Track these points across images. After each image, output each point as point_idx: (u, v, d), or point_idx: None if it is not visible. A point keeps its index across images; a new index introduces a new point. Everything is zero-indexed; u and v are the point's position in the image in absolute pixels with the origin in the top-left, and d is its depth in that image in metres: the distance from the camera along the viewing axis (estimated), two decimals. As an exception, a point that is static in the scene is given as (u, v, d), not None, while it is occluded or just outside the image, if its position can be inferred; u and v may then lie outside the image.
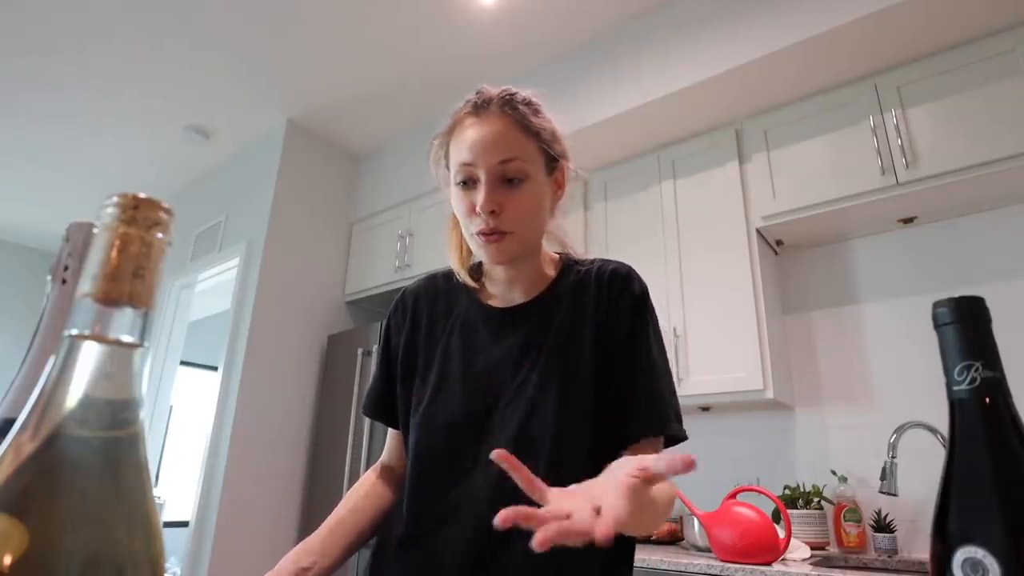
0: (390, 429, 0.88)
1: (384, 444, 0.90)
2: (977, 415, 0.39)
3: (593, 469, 0.70)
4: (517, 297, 0.82)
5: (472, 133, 0.75)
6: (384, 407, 0.86)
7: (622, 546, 0.76)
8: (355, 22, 2.48)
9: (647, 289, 0.81)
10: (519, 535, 0.57)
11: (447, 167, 0.81)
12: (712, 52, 2.10)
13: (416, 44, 2.60)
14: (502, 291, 0.83)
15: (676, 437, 0.75)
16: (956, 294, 0.41)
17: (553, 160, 0.79)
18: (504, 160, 0.74)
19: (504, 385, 0.76)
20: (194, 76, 2.82)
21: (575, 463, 0.71)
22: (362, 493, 0.84)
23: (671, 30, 2.25)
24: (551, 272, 0.84)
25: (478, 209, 0.73)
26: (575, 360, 0.76)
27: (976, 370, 0.39)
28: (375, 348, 2.66)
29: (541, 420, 0.72)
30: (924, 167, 1.79)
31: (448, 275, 0.88)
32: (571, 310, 0.79)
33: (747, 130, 2.21)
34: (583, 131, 2.36)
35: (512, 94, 0.78)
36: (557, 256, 0.87)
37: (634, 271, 0.83)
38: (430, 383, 0.79)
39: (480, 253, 0.78)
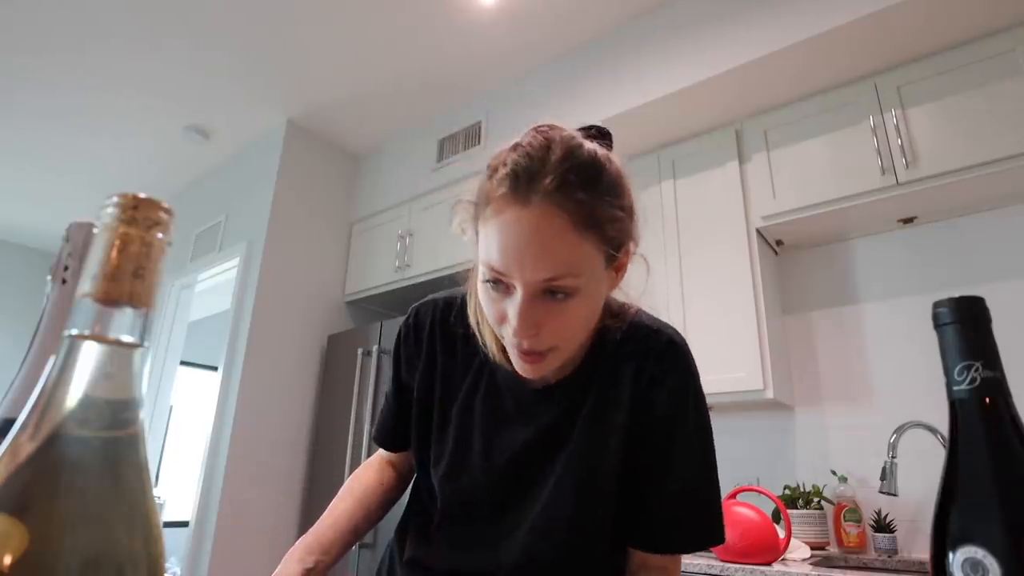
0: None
1: None
2: (977, 415, 0.39)
3: (611, 559, 0.71)
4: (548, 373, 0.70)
5: (512, 233, 0.56)
6: (398, 439, 0.82)
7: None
8: (355, 22, 2.48)
9: (696, 370, 0.71)
10: None
11: (475, 240, 0.64)
12: (712, 52, 2.10)
13: (416, 44, 2.60)
14: None
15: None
16: (956, 294, 0.41)
17: (617, 249, 0.61)
18: (549, 278, 0.56)
19: (525, 472, 0.70)
20: (194, 76, 2.82)
21: (593, 558, 0.70)
22: (365, 488, 0.82)
23: (671, 30, 2.25)
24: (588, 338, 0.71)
25: (511, 333, 0.59)
26: (603, 456, 0.68)
27: (976, 370, 0.39)
28: (375, 348, 2.67)
29: (558, 523, 0.68)
30: (924, 167, 1.79)
31: (466, 316, 0.74)
32: (605, 397, 0.69)
33: (747, 130, 2.21)
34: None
35: (573, 166, 0.57)
36: None
37: (683, 349, 0.71)
38: (448, 445, 0.73)
39: (513, 362, 0.64)
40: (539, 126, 0.61)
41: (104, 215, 0.26)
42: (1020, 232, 1.87)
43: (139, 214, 0.26)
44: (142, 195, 0.26)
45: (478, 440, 0.71)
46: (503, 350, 0.67)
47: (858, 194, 1.90)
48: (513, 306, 0.58)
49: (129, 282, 0.25)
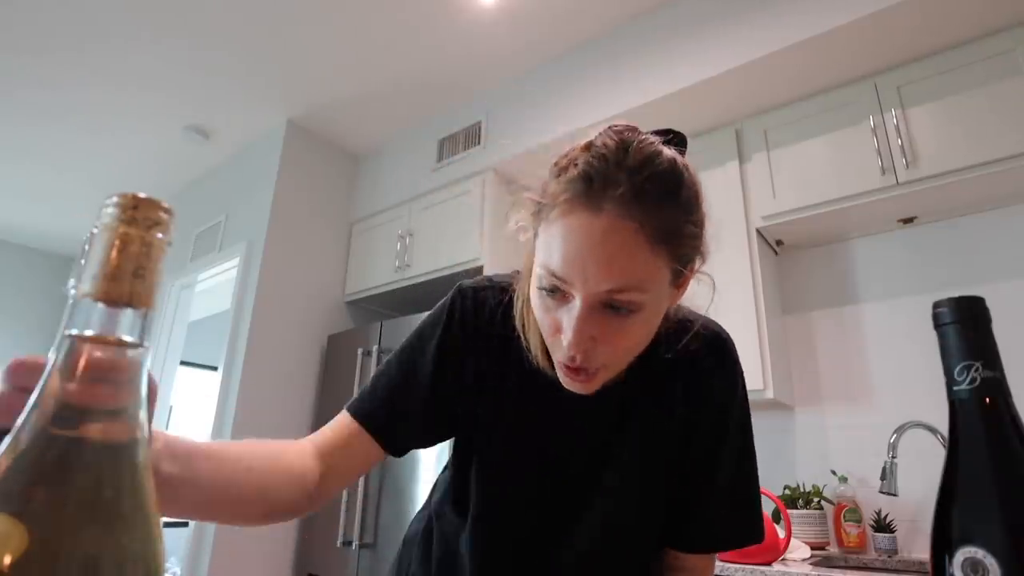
0: (352, 427, 0.68)
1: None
2: (977, 415, 0.39)
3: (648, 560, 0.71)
4: None
5: (576, 237, 0.52)
6: (399, 431, 0.68)
7: None
8: (355, 22, 2.48)
9: (741, 368, 0.71)
10: None
11: (533, 237, 0.59)
12: (712, 52, 2.10)
13: (416, 44, 2.60)
14: None
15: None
16: (956, 294, 0.41)
17: (685, 265, 0.57)
18: (613, 290, 0.52)
19: (580, 476, 0.68)
20: (194, 76, 2.82)
21: (646, 560, 0.71)
22: (275, 463, 0.60)
23: (671, 30, 2.25)
24: None
25: (564, 346, 0.55)
26: (658, 460, 0.67)
27: (976, 370, 0.39)
28: (375, 348, 2.66)
29: (617, 528, 0.68)
30: (924, 167, 1.79)
31: (510, 293, 0.69)
32: (658, 399, 0.67)
33: (747, 130, 2.21)
34: (583, 131, 2.36)
35: (651, 174, 0.52)
36: None
37: (728, 345, 0.70)
38: (496, 446, 0.69)
39: (559, 376, 0.60)
40: (615, 126, 0.57)
41: (104, 215, 0.26)
42: (1020, 232, 1.87)
43: (139, 214, 0.26)
44: (142, 195, 0.26)
45: (528, 437, 0.68)
46: (548, 358, 0.63)
47: (858, 194, 1.90)
48: (569, 317, 0.54)
49: (129, 282, 0.25)
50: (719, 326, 0.71)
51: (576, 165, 0.54)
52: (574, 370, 0.56)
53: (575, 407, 0.66)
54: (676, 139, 0.60)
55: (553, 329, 0.57)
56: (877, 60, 1.93)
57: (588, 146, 0.55)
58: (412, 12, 2.42)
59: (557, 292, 0.55)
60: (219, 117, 3.15)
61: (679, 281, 0.59)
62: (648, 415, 0.67)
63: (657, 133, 0.58)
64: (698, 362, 0.67)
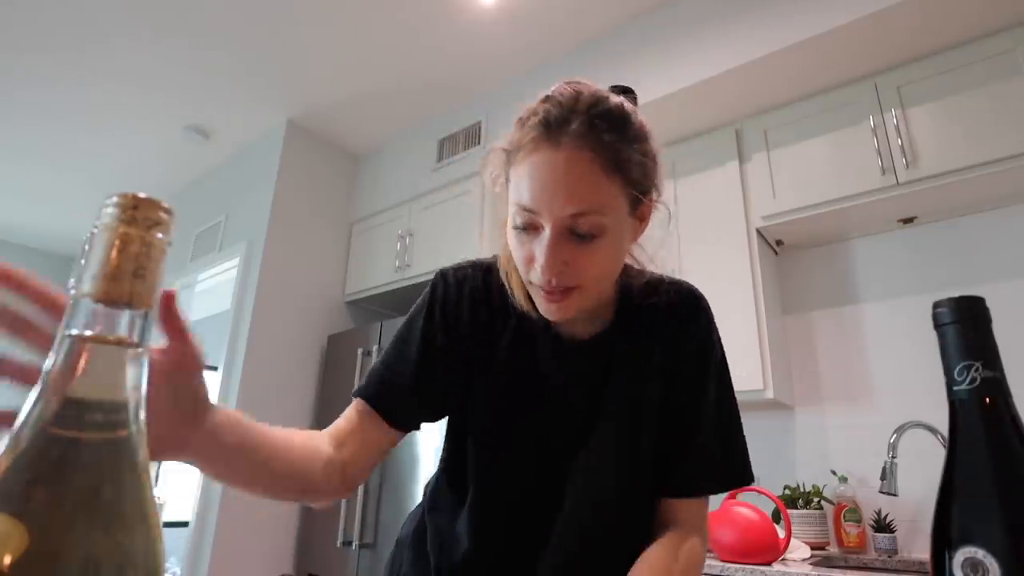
0: (363, 412, 0.71)
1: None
2: (977, 415, 0.39)
3: (652, 512, 0.71)
4: (578, 328, 0.72)
5: (542, 171, 0.59)
6: (399, 405, 0.71)
7: None
8: (355, 22, 2.48)
9: (713, 317, 0.75)
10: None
11: (506, 183, 0.66)
12: (712, 52, 2.10)
13: (416, 44, 2.60)
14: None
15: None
16: (956, 294, 0.41)
17: (641, 195, 0.64)
18: (577, 214, 0.59)
19: (570, 425, 0.71)
20: (194, 76, 2.82)
21: (639, 513, 0.71)
22: (310, 450, 0.64)
23: (671, 30, 2.25)
24: (612, 293, 0.74)
25: (538, 268, 0.61)
26: (643, 405, 0.71)
27: (976, 370, 0.39)
28: (375, 348, 2.66)
29: (607, 472, 0.69)
30: (924, 167, 1.79)
31: (499, 279, 0.74)
32: (640, 348, 0.72)
33: (747, 130, 2.21)
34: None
35: (601, 112, 0.60)
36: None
37: (703, 300, 0.75)
38: (488, 408, 0.72)
39: (538, 305, 0.66)
40: (568, 80, 0.65)
41: (104, 215, 0.26)
42: (1020, 232, 1.87)
43: (139, 214, 0.26)
44: (142, 195, 0.26)
45: (521, 399, 0.72)
46: (530, 299, 0.69)
47: (858, 194, 1.90)
48: (541, 246, 0.60)
49: (129, 282, 0.25)
50: (691, 284, 0.76)
51: (537, 114, 0.62)
52: (550, 293, 0.62)
53: (562, 366, 0.71)
54: (623, 90, 0.68)
55: (528, 260, 0.63)
56: (877, 60, 1.93)
57: (546, 98, 0.63)
58: (412, 12, 2.42)
59: (530, 227, 0.62)
60: (219, 117, 3.15)
61: (638, 212, 0.65)
62: (631, 365, 0.71)
63: (611, 89, 0.67)
64: (675, 312, 0.72)
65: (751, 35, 2.02)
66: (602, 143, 0.59)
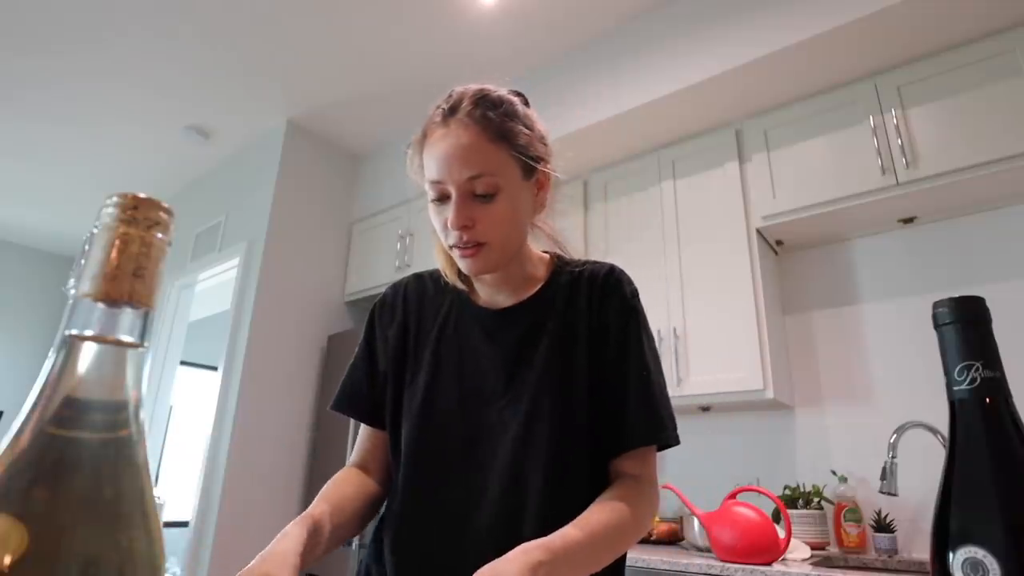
0: (364, 429, 0.84)
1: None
2: (977, 415, 0.39)
3: (591, 476, 0.73)
4: (504, 300, 0.81)
5: (440, 147, 0.72)
6: (365, 404, 0.82)
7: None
8: (355, 23, 2.48)
9: (637, 291, 0.81)
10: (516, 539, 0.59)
11: (421, 170, 0.77)
12: (712, 52, 2.10)
13: (416, 44, 2.60)
14: (490, 294, 0.82)
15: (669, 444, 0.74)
16: (956, 294, 0.41)
17: (531, 161, 0.76)
18: (472, 177, 0.71)
19: (498, 390, 0.75)
20: (194, 76, 2.82)
21: (573, 473, 0.72)
22: (350, 492, 0.77)
23: (671, 30, 2.25)
24: (541, 273, 0.83)
25: (450, 226, 0.72)
26: (570, 368, 0.75)
27: (976, 370, 0.39)
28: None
29: (538, 431, 0.72)
30: (924, 167, 1.79)
31: (435, 275, 0.87)
32: (564, 315, 0.78)
33: (747, 130, 2.21)
34: (583, 131, 2.36)
35: (482, 97, 0.74)
36: (548, 256, 0.86)
37: (624, 273, 0.82)
38: (421, 381, 0.78)
39: (460, 265, 0.77)
40: (461, 86, 0.78)
41: (104, 215, 0.26)
42: (1020, 232, 1.87)
43: (139, 214, 0.26)
44: (142, 195, 0.26)
45: (450, 366, 0.79)
46: (455, 268, 0.81)
47: (858, 194, 1.90)
48: (451, 209, 0.71)
49: (129, 282, 0.25)
50: (621, 269, 0.84)
51: (438, 107, 0.75)
52: (464, 248, 0.73)
53: (490, 335, 0.79)
54: (517, 95, 0.80)
55: (444, 226, 0.74)
56: (877, 60, 1.93)
57: (447, 97, 0.76)
58: (413, 12, 2.42)
59: (443, 197, 0.73)
60: (219, 117, 3.15)
61: (534, 180, 0.77)
62: (555, 328, 0.78)
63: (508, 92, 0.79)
64: (597, 283, 0.80)
65: (751, 35, 2.02)
66: (487, 118, 0.72)
